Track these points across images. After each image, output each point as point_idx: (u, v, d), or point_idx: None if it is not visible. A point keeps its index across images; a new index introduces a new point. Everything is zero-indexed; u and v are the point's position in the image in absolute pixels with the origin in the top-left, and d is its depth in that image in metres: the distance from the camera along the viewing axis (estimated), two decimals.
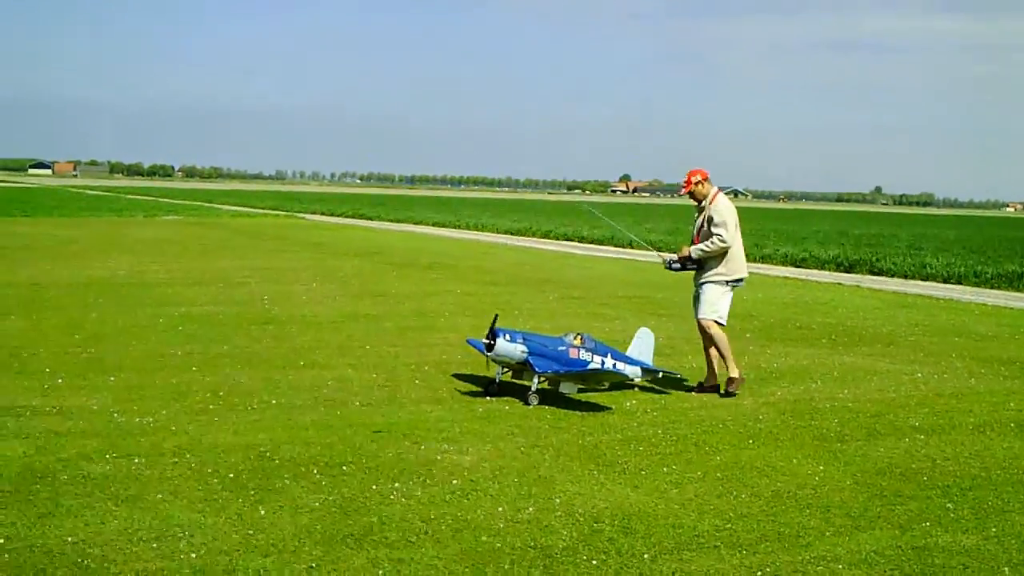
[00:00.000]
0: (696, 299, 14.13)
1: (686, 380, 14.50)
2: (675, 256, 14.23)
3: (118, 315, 18.39)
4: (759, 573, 7.28)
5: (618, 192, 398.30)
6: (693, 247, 13.90)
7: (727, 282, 13.96)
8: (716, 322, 13.89)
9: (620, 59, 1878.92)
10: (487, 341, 12.76)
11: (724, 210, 13.82)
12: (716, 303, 13.90)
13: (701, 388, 14.01)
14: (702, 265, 13.92)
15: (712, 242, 13.73)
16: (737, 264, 14.00)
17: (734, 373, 13.79)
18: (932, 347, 18.58)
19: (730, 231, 13.77)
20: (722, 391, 13.80)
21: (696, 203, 14.16)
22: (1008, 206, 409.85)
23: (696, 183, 14.00)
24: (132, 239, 40.88)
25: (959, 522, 8.67)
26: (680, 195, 14.50)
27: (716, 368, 14.02)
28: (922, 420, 12.51)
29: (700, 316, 13.96)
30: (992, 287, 33.60)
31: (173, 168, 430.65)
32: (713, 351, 13.96)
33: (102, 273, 26.21)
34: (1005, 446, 11.39)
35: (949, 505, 9.11)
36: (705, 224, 13.90)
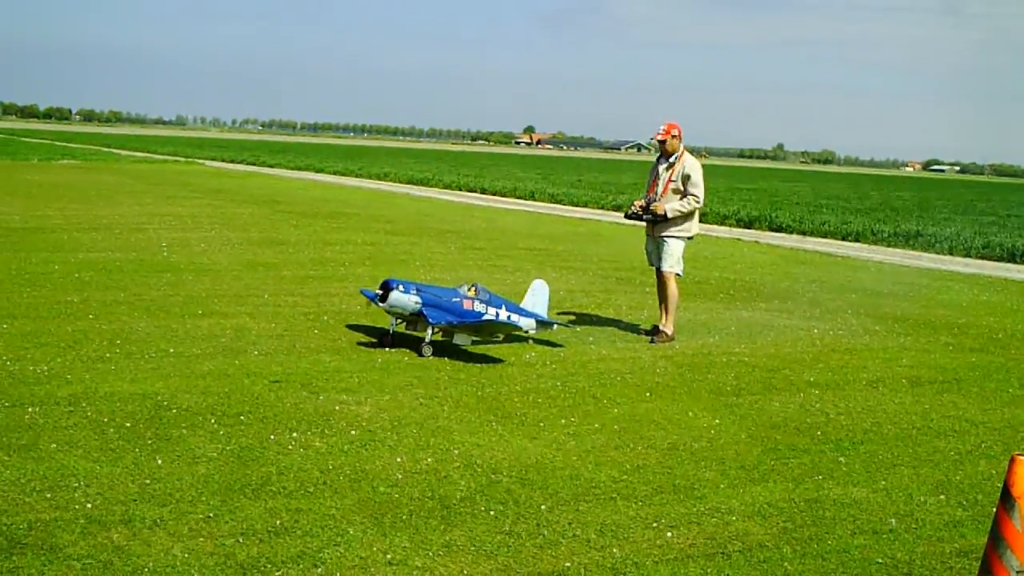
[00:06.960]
0: (656, 250, 14.73)
1: (576, 327, 14.79)
2: (638, 205, 14.67)
3: (12, 261, 18.01)
4: (654, 524, 7.35)
5: (522, 144, 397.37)
6: (670, 205, 14.37)
7: (689, 238, 14.74)
8: (677, 275, 14.61)
9: (527, 8, 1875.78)
10: (379, 292, 12.73)
11: (699, 169, 14.52)
12: (680, 258, 14.66)
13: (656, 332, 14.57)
14: (666, 219, 14.40)
15: (689, 201, 14.37)
16: (697, 222, 14.83)
17: (669, 330, 14.40)
18: (828, 303, 18.85)
19: (704, 191, 14.51)
20: (650, 334, 14.50)
21: (665, 155, 14.65)
22: (907, 165, 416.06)
23: (673, 136, 14.52)
24: (27, 183, 39.95)
25: (850, 475, 8.83)
26: (652, 140, 14.96)
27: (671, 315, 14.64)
28: (817, 375, 12.71)
29: (665, 269, 14.57)
30: (889, 245, 34.13)
31: (70, 111, 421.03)
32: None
33: None
34: (896, 401, 11.61)
35: (841, 459, 9.27)
36: (678, 180, 14.42)
